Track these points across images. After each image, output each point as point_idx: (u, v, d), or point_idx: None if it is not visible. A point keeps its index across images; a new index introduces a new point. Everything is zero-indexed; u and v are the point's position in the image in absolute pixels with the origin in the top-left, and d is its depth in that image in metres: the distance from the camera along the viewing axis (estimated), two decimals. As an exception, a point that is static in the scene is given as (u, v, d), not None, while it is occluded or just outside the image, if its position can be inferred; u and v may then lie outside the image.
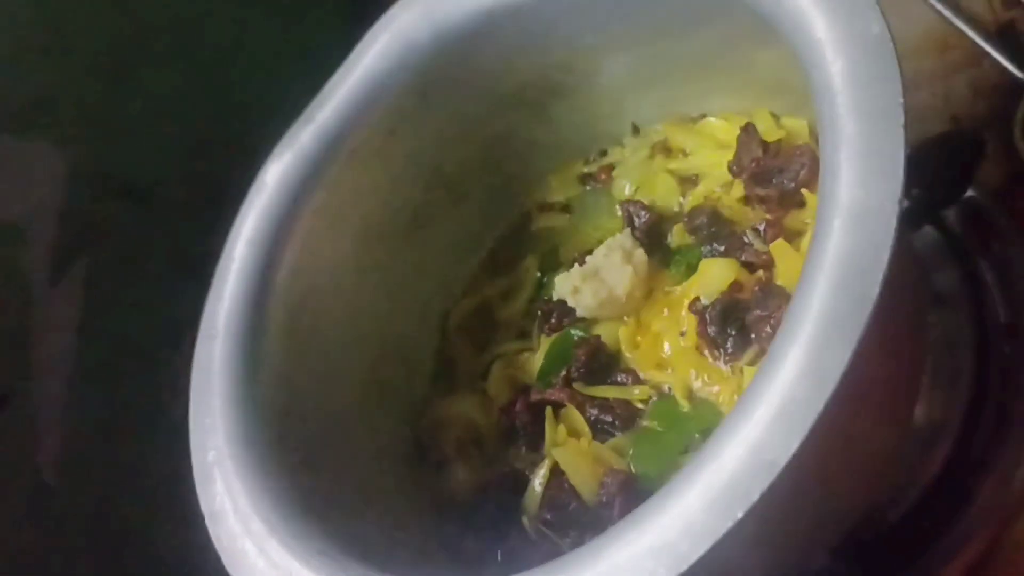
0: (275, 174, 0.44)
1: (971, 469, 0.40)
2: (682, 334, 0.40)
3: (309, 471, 0.40)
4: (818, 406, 0.26)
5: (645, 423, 0.40)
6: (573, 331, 0.43)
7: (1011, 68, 0.46)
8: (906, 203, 0.27)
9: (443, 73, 0.44)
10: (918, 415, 0.40)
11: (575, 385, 0.42)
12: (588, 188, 0.49)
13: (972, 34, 0.47)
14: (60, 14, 0.55)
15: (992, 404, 0.41)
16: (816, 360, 0.26)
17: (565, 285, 0.42)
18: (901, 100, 0.28)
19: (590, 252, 0.45)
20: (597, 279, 0.42)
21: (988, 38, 0.47)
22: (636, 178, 0.46)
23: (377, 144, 0.45)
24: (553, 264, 0.48)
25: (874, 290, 0.26)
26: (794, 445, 0.26)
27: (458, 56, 0.44)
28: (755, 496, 0.26)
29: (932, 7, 0.48)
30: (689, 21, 0.41)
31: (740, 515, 0.26)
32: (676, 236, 0.44)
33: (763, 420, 0.27)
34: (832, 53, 0.30)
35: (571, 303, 0.43)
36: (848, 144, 0.28)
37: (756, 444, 0.27)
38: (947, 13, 0.48)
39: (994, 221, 0.43)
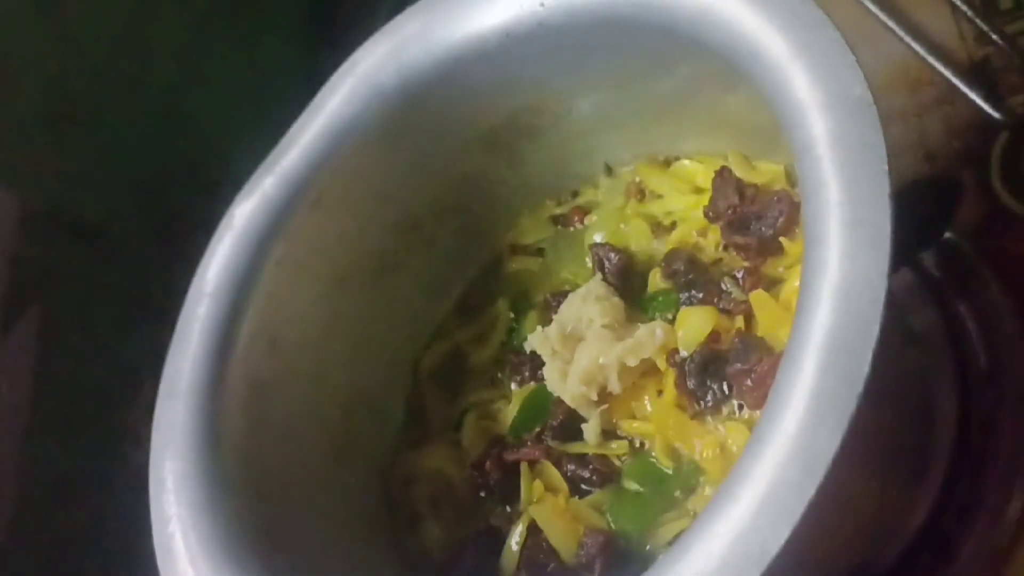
0: (240, 220, 0.43)
1: (956, 518, 0.39)
2: (659, 393, 0.39)
3: (276, 535, 0.38)
4: (809, 491, 0.25)
5: (625, 483, 0.39)
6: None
7: (985, 107, 0.45)
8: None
9: (410, 117, 0.43)
10: (901, 464, 0.40)
11: (551, 443, 0.41)
12: (560, 230, 0.48)
13: (945, 71, 0.46)
14: (3, 53, 0.53)
15: (974, 451, 0.40)
16: (806, 442, 0.25)
17: (543, 346, 0.41)
18: (886, 167, 0.27)
19: (562, 294, 0.44)
20: (593, 365, 0.39)
21: (962, 75, 0.46)
22: (609, 227, 0.45)
23: (343, 190, 0.44)
24: (525, 308, 0.47)
25: (864, 369, 0.25)
26: (785, 532, 0.25)
27: (426, 100, 0.43)
28: (746, 586, 0.25)
29: (904, 43, 0.48)
30: (655, 65, 0.40)
31: (731, 606, 0.25)
32: (652, 282, 0.43)
33: (752, 503, 0.26)
34: (814, 115, 0.29)
35: (556, 392, 0.41)
36: (834, 212, 0.27)
37: (746, 529, 0.26)
38: (920, 49, 0.47)
39: (972, 264, 0.43)
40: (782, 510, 0.25)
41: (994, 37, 0.46)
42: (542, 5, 0.39)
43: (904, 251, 0.42)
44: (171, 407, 0.40)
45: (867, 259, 0.26)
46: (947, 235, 0.43)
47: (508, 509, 0.42)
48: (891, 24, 0.49)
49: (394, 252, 0.46)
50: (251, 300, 0.42)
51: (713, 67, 0.35)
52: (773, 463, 0.26)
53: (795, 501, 0.25)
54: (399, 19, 0.43)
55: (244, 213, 0.43)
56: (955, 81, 0.46)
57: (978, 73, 0.47)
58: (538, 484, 0.41)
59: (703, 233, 0.43)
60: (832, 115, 0.29)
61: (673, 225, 0.44)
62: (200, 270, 0.43)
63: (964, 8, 0.47)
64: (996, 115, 0.45)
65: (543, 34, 0.40)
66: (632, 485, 0.39)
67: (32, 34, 0.56)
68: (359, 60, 0.43)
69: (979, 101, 0.45)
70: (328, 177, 0.43)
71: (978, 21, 0.46)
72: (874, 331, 0.25)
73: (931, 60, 0.47)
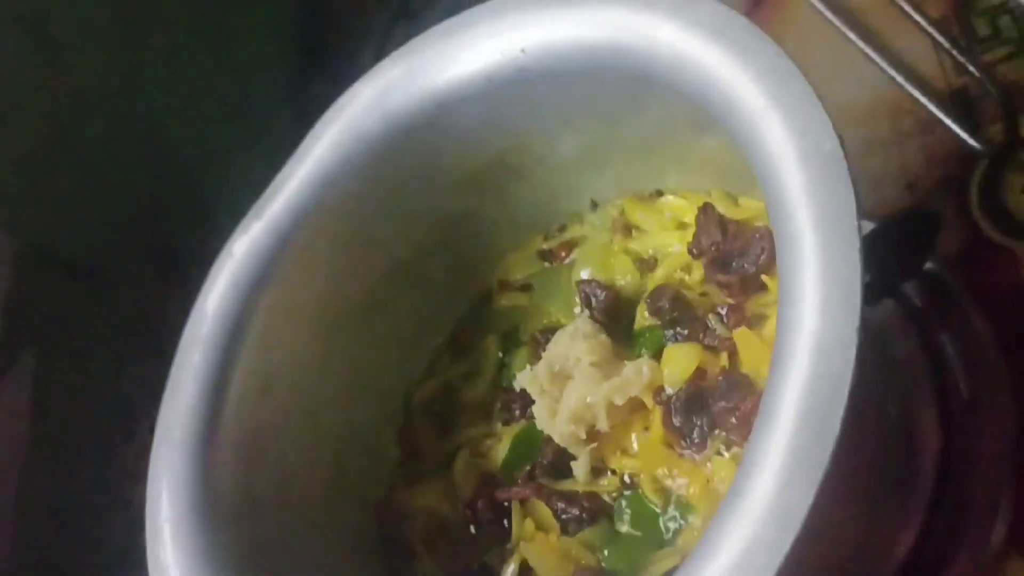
0: (231, 266, 0.44)
1: (937, 550, 0.40)
2: (646, 430, 0.40)
3: (272, 578, 0.39)
4: (784, 547, 0.25)
5: (618, 527, 0.39)
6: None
7: (964, 136, 0.46)
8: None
9: (396, 162, 0.43)
10: (884, 495, 0.40)
11: (541, 480, 0.41)
12: (548, 266, 0.48)
13: (924, 100, 0.47)
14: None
15: (956, 481, 0.41)
16: (781, 499, 0.26)
17: (532, 385, 0.41)
18: (856, 223, 0.28)
19: (551, 331, 0.44)
20: (582, 404, 0.40)
21: (941, 104, 0.47)
22: (595, 263, 0.45)
23: (330, 236, 0.44)
24: (514, 343, 0.47)
25: (835, 425, 0.26)
26: (763, 589, 0.25)
27: (411, 145, 0.43)
28: (725, 644, 0.25)
29: (885, 72, 0.48)
30: (632, 108, 0.41)
31: (710, 662, 0.25)
32: (639, 318, 0.43)
33: (728, 563, 0.26)
34: (787, 168, 0.30)
35: (546, 430, 0.41)
36: (808, 267, 0.28)
37: (725, 584, 0.26)
38: (899, 78, 0.48)
39: (953, 293, 0.43)
40: (757, 568, 0.25)
41: (970, 68, 0.46)
42: (523, 51, 0.40)
43: (886, 282, 0.43)
44: (166, 455, 0.40)
45: (838, 316, 0.27)
46: (928, 265, 0.44)
47: (500, 546, 0.42)
48: (871, 53, 0.49)
49: (384, 293, 0.47)
50: (243, 346, 0.42)
51: (683, 109, 0.36)
52: (749, 520, 0.26)
53: (769, 558, 0.25)
54: (383, 64, 0.43)
55: (235, 259, 0.43)
56: (934, 110, 0.47)
57: (957, 102, 0.47)
58: (528, 522, 0.41)
59: (688, 269, 0.43)
60: (804, 169, 0.29)
61: (656, 262, 0.44)
62: (194, 315, 0.43)
63: (940, 39, 0.47)
64: (975, 144, 0.45)
65: (524, 79, 0.40)
66: (624, 525, 0.39)
67: (24, 73, 0.57)
68: (343, 106, 0.43)
69: (958, 130, 0.46)
70: (315, 224, 0.43)
71: (954, 52, 0.47)
72: (845, 388, 0.26)
73: (910, 88, 0.47)
